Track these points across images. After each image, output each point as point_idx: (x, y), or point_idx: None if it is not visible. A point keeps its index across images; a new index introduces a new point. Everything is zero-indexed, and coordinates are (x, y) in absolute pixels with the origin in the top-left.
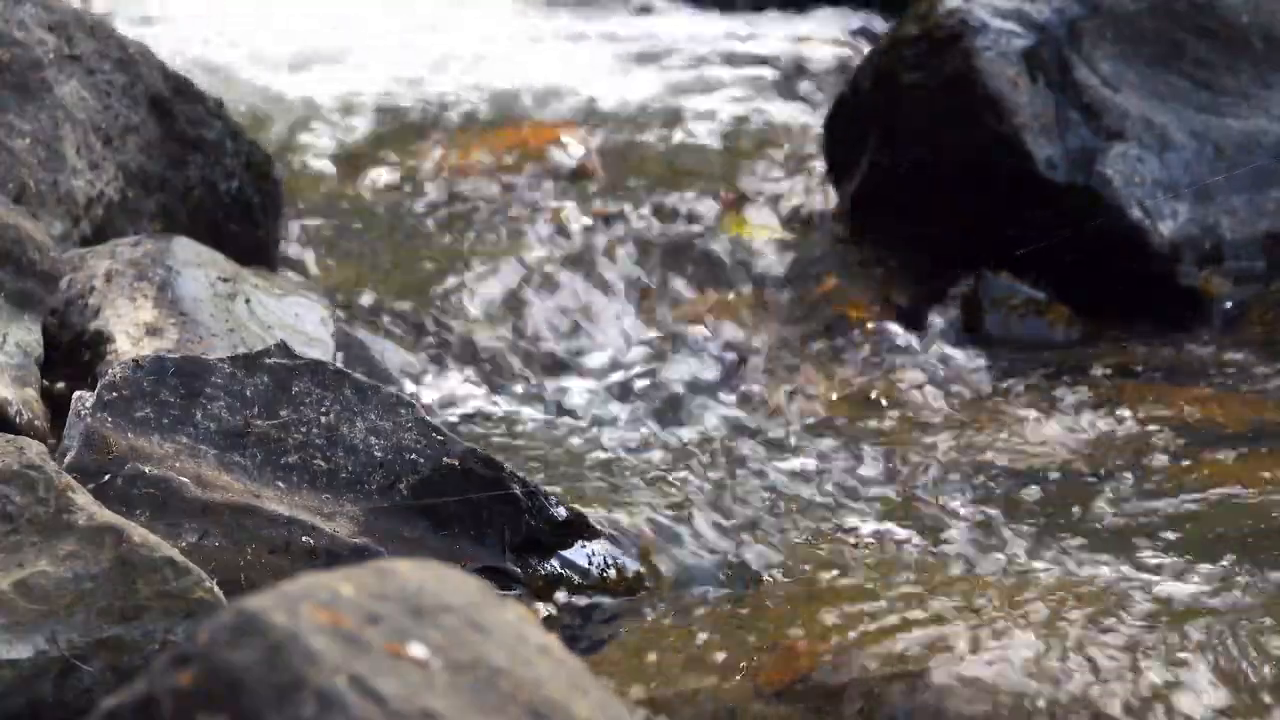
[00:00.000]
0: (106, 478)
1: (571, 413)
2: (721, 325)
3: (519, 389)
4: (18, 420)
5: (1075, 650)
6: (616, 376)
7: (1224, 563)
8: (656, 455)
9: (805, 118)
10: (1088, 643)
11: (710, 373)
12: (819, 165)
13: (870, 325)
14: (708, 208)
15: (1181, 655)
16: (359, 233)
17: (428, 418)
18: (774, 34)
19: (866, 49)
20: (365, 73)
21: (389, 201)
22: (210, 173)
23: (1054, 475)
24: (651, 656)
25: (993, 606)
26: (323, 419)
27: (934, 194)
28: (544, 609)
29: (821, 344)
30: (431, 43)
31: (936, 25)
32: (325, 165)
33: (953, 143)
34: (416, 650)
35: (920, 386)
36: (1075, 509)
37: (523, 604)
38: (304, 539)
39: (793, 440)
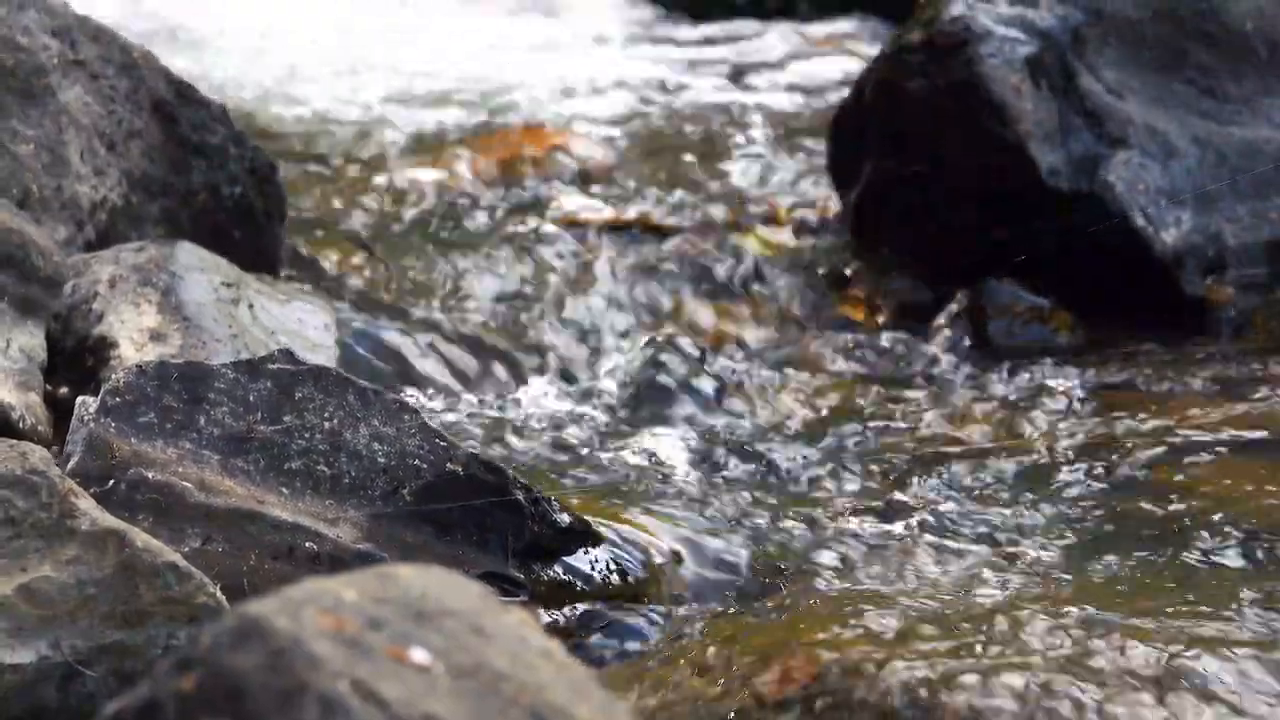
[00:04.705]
0: (110, 483)
1: (574, 418)
2: (725, 331)
3: (522, 394)
4: (21, 425)
5: (1081, 660)
6: (619, 382)
7: (1230, 568)
8: (660, 461)
9: (809, 124)
10: (1095, 653)
11: (714, 379)
12: (822, 171)
13: (873, 331)
14: (712, 213)
15: (1185, 660)
16: (362, 238)
17: (431, 423)
18: (779, 40)
19: (871, 56)
20: (369, 78)
21: (393, 206)
22: (213, 178)
23: (1058, 483)
24: (654, 662)
25: (996, 615)
26: (326, 424)
27: (937, 201)
28: (547, 614)
29: (825, 350)
30: (436, 47)
31: (940, 32)
32: (329, 170)
33: (956, 149)
34: (419, 655)
35: (924, 393)
36: (1079, 516)
37: (525, 609)
38: (307, 545)
39: (796, 447)
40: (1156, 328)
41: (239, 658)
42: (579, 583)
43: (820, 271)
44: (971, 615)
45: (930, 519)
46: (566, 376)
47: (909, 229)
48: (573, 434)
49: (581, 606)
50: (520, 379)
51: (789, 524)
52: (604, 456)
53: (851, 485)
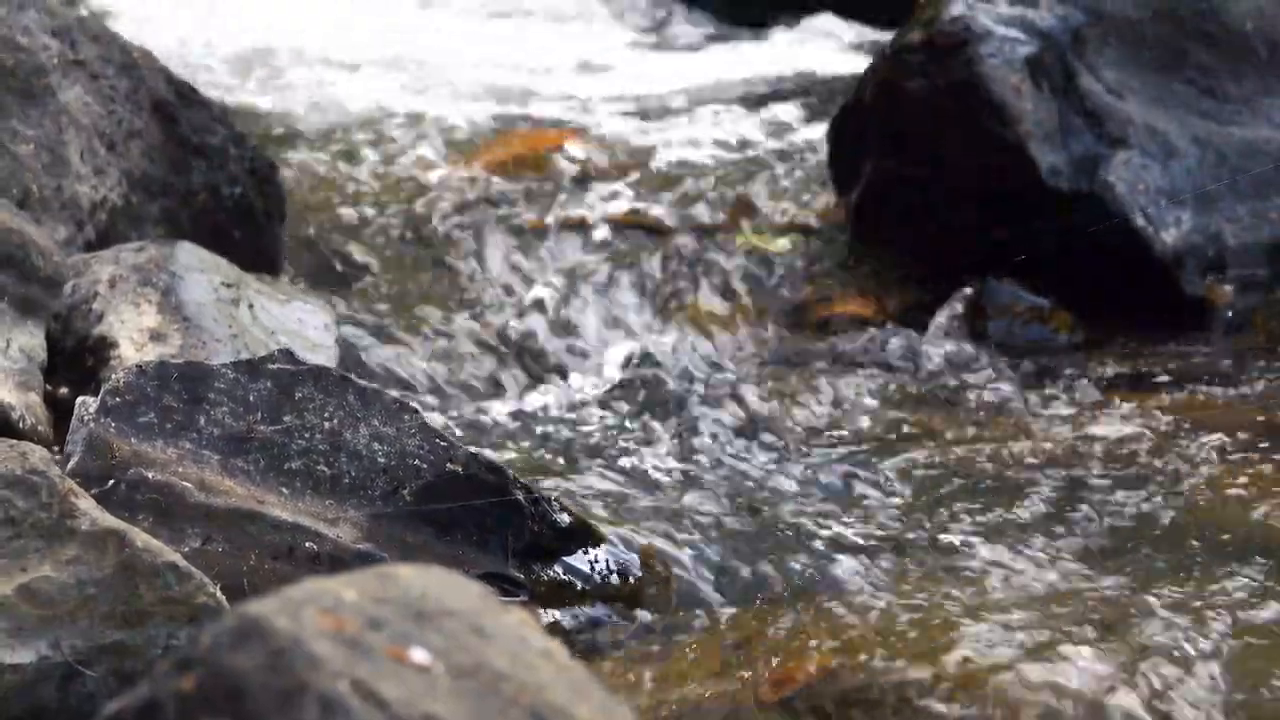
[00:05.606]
0: (110, 483)
1: (575, 419)
2: (725, 331)
3: (522, 394)
4: (21, 425)
5: (1078, 660)
6: (620, 382)
7: (1228, 567)
8: (659, 462)
9: (810, 125)
10: (1092, 651)
11: (713, 380)
12: (823, 172)
13: (874, 332)
14: (712, 214)
15: (1182, 659)
16: (362, 238)
17: (431, 423)
18: (780, 42)
19: (871, 56)
20: (369, 79)
21: (393, 207)
22: (214, 178)
23: (1058, 482)
24: (653, 663)
25: (995, 614)
26: (326, 425)
27: (937, 201)
28: (547, 614)
29: (825, 351)
30: (436, 49)
31: (940, 32)
32: (329, 171)
33: (956, 149)
34: (419, 655)
35: (924, 393)
36: (1079, 515)
37: (525, 609)
38: (307, 544)
39: (796, 448)
40: (1156, 327)
41: (239, 658)
42: (579, 583)
43: (820, 272)
44: (971, 616)
45: (929, 520)
46: (566, 376)
47: (909, 229)
48: (572, 434)
49: (582, 606)
50: (520, 379)
51: (788, 525)
52: (603, 457)
53: (851, 485)
